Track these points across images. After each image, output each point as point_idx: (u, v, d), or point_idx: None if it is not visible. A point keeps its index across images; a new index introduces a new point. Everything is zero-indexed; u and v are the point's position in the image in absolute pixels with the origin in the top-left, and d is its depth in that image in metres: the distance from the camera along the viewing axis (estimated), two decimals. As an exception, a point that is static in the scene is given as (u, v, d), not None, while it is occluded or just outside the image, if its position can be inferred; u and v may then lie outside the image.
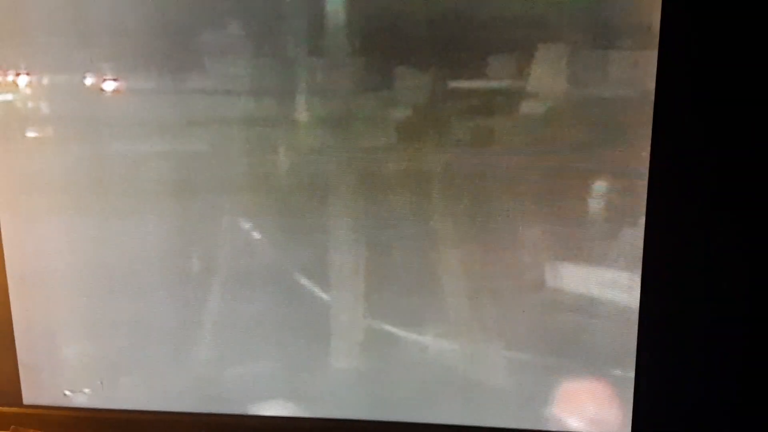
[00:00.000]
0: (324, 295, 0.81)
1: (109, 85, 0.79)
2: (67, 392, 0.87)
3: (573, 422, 0.79)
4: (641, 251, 0.72)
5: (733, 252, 0.71)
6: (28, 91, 0.80)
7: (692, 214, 0.71)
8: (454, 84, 0.74)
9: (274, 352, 0.83)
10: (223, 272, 0.82)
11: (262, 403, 0.85)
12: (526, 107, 0.73)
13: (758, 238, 0.71)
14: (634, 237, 0.73)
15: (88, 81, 0.79)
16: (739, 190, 0.70)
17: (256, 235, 0.80)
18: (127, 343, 0.85)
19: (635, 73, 0.70)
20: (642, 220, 0.72)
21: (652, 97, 0.69)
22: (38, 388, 0.88)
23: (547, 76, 0.72)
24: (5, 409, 0.87)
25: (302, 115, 0.77)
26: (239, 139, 0.78)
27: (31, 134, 0.81)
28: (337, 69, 0.75)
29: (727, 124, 0.69)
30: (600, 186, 0.73)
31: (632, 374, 0.75)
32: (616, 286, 0.75)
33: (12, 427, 0.85)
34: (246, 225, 0.80)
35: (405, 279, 0.79)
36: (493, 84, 0.73)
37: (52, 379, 0.87)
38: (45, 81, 0.80)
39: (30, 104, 0.80)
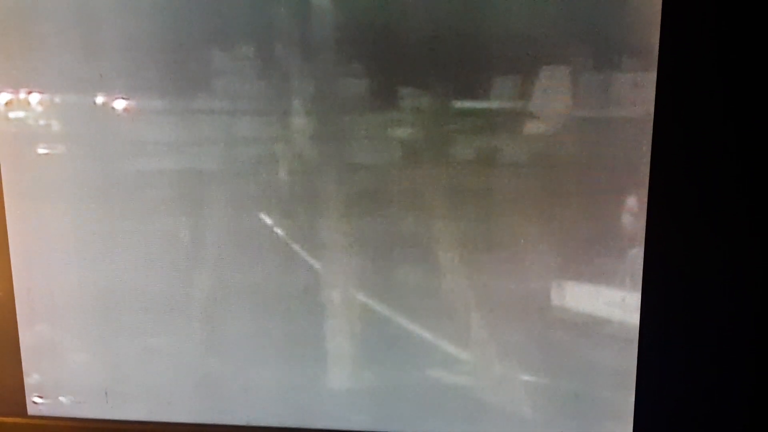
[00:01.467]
0: (328, 310, 0.82)
1: (120, 104, 0.80)
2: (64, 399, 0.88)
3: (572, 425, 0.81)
4: (641, 270, 0.74)
5: (733, 270, 0.73)
6: (39, 108, 0.81)
7: (692, 232, 0.72)
8: (454, 103, 0.75)
9: (278, 364, 0.84)
10: (227, 287, 0.83)
11: (265, 414, 0.85)
12: (527, 127, 0.75)
13: (758, 256, 0.72)
14: (634, 255, 0.74)
15: (99, 99, 0.80)
16: (739, 208, 0.71)
17: (262, 251, 0.81)
18: (130, 355, 0.86)
19: (635, 94, 0.72)
20: (642, 239, 0.73)
21: (652, 117, 0.71)
22: (43, 400, 0.88)
23: (547, 97, 0.73)
24: (10, 419, 0.88)
25: (306, 133, 0.79)
26: (247, 157, 0.79)
27: (41, 151, 0.82)
28: (341, 88, 0.76)
29: (725, 142, 0.70)
30: (601, 204, 0.75)
31: (632, 394, 0.77)
32: (616, 304, 0.76)
33: (17, 438, 0.86)
34: (252, 241, 0.81)
35: (408, 295, 0.80)
36: (495, 104, 0.74)
37: (56, 390, 0.88)
38: (56, 99, 0.81)
39: (41, 122, 0.81)
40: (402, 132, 0.77)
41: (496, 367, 0.80)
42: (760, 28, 0.68)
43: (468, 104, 0.75)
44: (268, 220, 0.81)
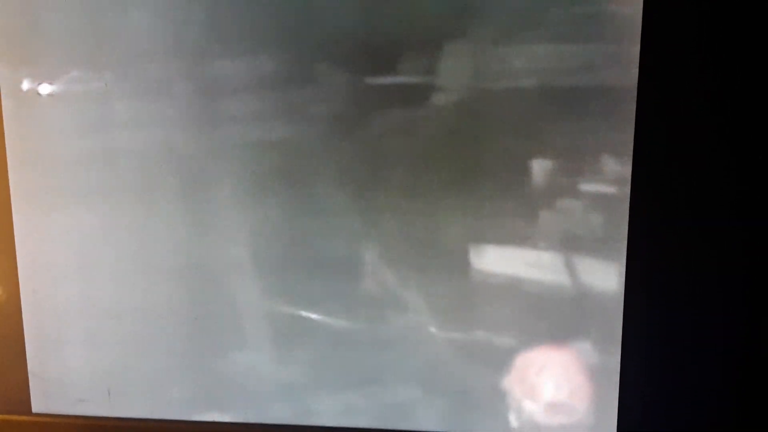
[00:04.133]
0: (330, 301, 0.83)
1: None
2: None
3: (555, 419, 0.81)
4: (625, 242, 0.75)
5: (719, 243, 0.74)
6: (49, 107, 0.83)
7: (676, 204, 0.74)
8: (437, 69, 0.76)
9: (284, 362, 0.85)
10: (231, 282, 0.84)
11: (269, 411, 0.86)
12: (507, 99, 0.76)
13: (742, 230, 0.74)
14: (618, 228, 0.76)
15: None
16: (722, 181, 0.73)
17: (269, 238, 0.82)
18: (134, 353, 0.87)
19: (618, 67, 0.73)
20: (626, 209, 0.75)
21: (635, 89, 0.73)
22: (47, 397, 0.89)
23: (530, 70, 0.74)
24: (14, 417, 0.89)
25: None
26: (250, 136, 0.81)
27: (49, 151, 0.84)
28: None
29: (709, 116, 0.72)
30: (584, 176, 0.76)
31: (617, 368, 0.77)
32: (598, 276, 0.77)
33: (21, 435, 0.87)
34: (258, 228, 0.82)
35: (382, 271, 0.81)
36: (480, 74, 0.75)
37: (60, 388, 0.89)
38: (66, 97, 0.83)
39: (50, 121, 0.84)
40: (381, 105, 0.78)
41: (484, 344, 0.81)
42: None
43: (446, 74, 0.76)
44: (277, 204, 0.81)
